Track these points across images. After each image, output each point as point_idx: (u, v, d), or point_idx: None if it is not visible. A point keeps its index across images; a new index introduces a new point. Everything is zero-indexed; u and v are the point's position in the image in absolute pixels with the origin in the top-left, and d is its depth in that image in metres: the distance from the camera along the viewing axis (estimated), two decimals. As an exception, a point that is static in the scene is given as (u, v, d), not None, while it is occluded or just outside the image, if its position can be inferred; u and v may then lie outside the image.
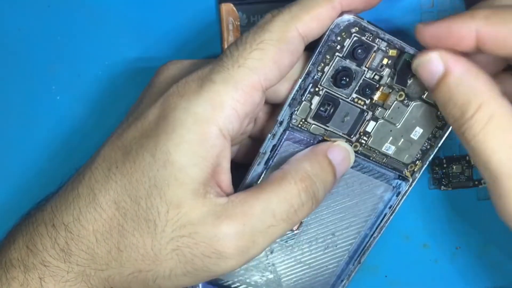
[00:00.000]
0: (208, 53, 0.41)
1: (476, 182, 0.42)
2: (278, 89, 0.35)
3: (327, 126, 0.36)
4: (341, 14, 0.33)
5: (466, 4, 0.40)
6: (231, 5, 0.40)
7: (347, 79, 0.35)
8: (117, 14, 0.42)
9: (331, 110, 0.35)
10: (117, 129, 0.35)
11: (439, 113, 0.37)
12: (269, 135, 0.35)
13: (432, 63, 0.33)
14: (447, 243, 0.43)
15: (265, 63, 0.32)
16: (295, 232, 0.38)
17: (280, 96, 0.35)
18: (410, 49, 0.35)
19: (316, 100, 0.35)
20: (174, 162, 0.32)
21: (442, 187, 0.42)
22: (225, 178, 0.33)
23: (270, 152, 0.35)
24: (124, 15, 0.42)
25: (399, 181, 0.39)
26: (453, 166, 0.42)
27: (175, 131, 0.32)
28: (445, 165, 0.42)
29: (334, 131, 0.36)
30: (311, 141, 0.36)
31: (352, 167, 0.37)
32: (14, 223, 0.36)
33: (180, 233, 0.32)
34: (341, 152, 0.36)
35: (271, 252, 0.38)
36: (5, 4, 0.42)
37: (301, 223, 0.38)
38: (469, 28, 0.32)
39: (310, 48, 0.34)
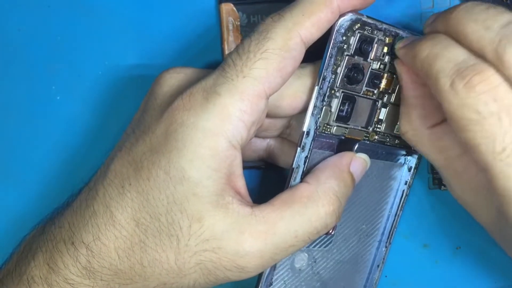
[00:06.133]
0: (208, 52, 0.41)
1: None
2: (279, 104, 0.35)
3: (348, 124, 0.36)
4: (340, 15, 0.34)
5: (466, 4, 0.40)
6: (231, 5, 0.40)
7: (359, 75, 0.35)
8: (117, 13, 0.42)
9: (349, 108, 0.36)
10: (124, 142, 0.35)
11: None
12: (299, 148, 0.35)
13: None
14: (447, 243, 0.43)
15: (270, 72, 0.32)
16: (332, 234, 0.38)
17: (281, 111, 0.35)
18: (403, 33, 0.36)
19: (335, 102, 0.35)
20: (190, 178, 0.32)
21: (442, 187, 0.42)
22: (241, 184, 0.34)
23: (304, 164, 0.35)
24: (124, 14, 0.42)
25: (408, 157, 0.40)
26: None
27: (186, 147, 0.32)
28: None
29: (354, 127, 0.37)
30: (333, 142, 0.37)
31: (371, 157, 0.38)
32: (15, 227, 0.36)
33: (204, 247, 0.32)
34: (361, 165, 0.37)
35: (315, 262, 0.39)
36: (5, 4, 0.42)
37: (335, 225, 0.38)
38: None
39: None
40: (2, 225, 0.43)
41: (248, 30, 0.40)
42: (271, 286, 0.37)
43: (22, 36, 0.42)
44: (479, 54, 0.30)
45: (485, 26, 0.30)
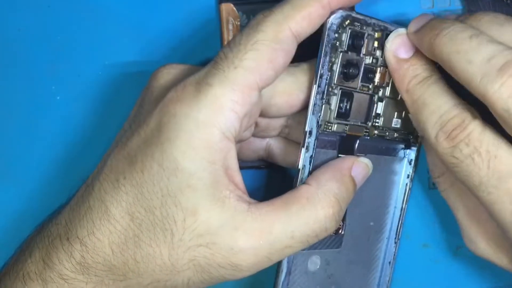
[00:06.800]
0: (208, 52, 0.42)
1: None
2: (276, 102, 0.35)
3: (348, 121, 0.37)
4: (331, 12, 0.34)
5: (466, 4, 0.40)
6: (231, 5, 0.40)
7: (355, 70, 0.36)
8: (117, 14, 0.42)
9: (348, 105, 0.36)
10: (120, 137, 0.35)
11: None
12: (303, 149, 0.35)
13: None
14: (447, 243, 0.43)
15: (261, 63, 0.32)
16: (342, 234, 0.38)
17: (278, 109, 0.35)
18: (391, 28, 0.36)
19: (334, 99, 0.36)
20: (184, 169, 0.32)
21: (442, 187, 0.42)
22: (238, 179, 0.33)
23: (309, 164, 0.35)
24: (124, 15, 0.42)
25: (407, 150, 0.41)
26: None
27: (179, 137, 0.32)
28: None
29: (354, 123, 0.37)
30: (335, 139, 0.37)
31: (372, 153, 0.38)
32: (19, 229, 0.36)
33: (198, 242, 0.32)
34: (363, 169, 0.37)
35: (328, 264, 0.38)
36: (5, 4, 0.42)
37: (344, 224, 0.38)
38: None
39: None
40: (2, 224, 0.43)
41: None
42: None
43: (22, 36, 0.42)
44: (465, 85, 0.32)
45: (468, 59, 0.31)
